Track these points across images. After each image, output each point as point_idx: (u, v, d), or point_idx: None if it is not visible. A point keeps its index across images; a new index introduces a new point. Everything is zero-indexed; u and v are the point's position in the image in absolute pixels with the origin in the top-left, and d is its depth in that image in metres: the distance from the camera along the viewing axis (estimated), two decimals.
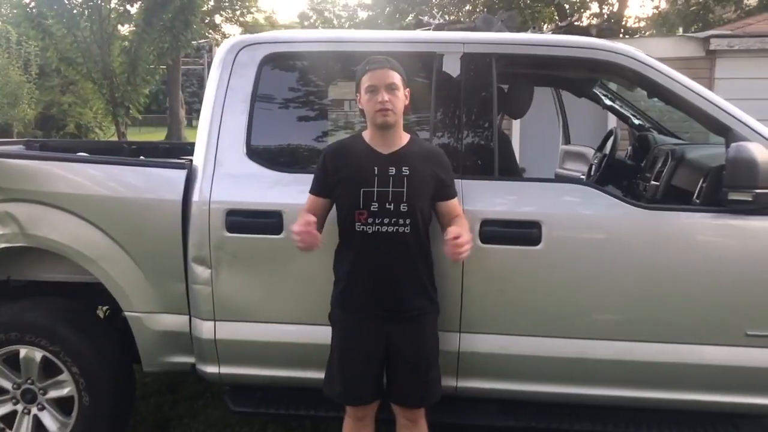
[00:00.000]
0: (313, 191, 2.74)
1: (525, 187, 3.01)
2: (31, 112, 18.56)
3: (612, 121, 7.51)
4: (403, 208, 2.59)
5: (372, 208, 2.60)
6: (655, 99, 3.58)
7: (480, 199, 2.87)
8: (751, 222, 2.74)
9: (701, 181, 2.98)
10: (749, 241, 2.76)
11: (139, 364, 3.25)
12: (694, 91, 2.86)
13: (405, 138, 2.70)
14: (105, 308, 3.76)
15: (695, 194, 3.00)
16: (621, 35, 15.28)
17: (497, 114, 3.06)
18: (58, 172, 3.13)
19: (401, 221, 2.60)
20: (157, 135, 32.56)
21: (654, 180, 3.60)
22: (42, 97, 22.83)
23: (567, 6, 15.79)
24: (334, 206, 2.72)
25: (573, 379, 2.91)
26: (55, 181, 3.11)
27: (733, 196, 2.63)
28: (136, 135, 29.12)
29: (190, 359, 3.17)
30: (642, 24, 17.66)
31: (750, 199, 2.61)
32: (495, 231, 2.83)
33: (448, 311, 2.87)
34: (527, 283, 2.85)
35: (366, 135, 2.71)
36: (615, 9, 17.02)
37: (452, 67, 3.00)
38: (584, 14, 16.12)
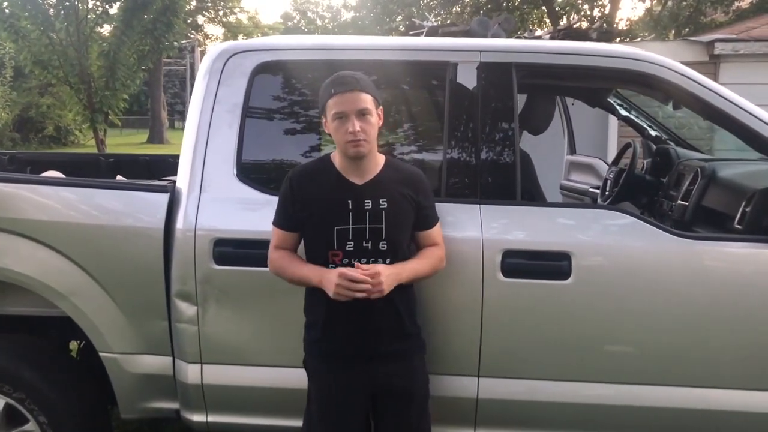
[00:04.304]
0: (278, 224, 2.41)
1: (552, 213, 2.71)
2: (6, 116, 18.06)
3: (613, 128, 7.24)
4: (383, 246, 2.29)
5: (347, 248, 2.28)
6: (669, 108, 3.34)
7: (501, 227, 2.58)
8: None
9: (743, 205, 2.70)
10: None
11: (116, 407, 2.90)
12: (743, 108, 2.59)
13: (380, 161, 2.38)
14: (80, 342, 3.41)
15: (736, 219, 2.71)
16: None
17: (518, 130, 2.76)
18: (23, 196, 2.77)
19: (380, 260, 2.29)
20: (139, 137, 32.15)
21: (681, 200, 3.31)
22: (19, 99, 22.38)
23: (558, 8, 15.58)
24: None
25: (606, 427, 2.62)
26: (21, 205, 2.75)
27: None
28: (118, 137, 28.65)
29: (174, 405, 2.83)
30: (632, 26, 17.48)
31: None
32: (518, 263, 2.53)
33: (465, 353, 2.57)
34: (555, 321, 2.54)
35: (335, 159, 2.37)
36: (607, 11, 16.85)
37: (467, 78, 2.69)
38: (576, 16, 15.91)
